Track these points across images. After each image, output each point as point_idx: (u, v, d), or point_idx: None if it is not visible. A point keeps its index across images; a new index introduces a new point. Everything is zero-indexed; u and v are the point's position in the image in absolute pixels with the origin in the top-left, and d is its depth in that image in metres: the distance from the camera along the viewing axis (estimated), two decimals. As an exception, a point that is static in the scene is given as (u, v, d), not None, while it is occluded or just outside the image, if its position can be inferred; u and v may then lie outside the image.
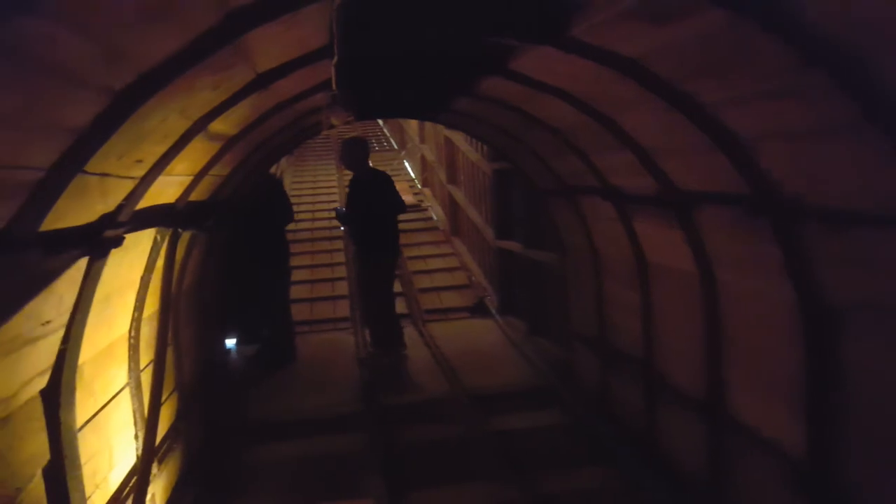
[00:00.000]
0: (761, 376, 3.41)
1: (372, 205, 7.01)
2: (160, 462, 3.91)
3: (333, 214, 12.95)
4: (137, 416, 3.67)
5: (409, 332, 8.10)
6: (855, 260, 2.59)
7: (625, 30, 2.68)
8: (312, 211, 13.59)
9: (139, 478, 3.48)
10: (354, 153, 7.16)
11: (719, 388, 3.73)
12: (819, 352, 2.87)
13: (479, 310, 9.47)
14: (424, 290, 10.19)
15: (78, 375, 2.77)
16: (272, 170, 7.93)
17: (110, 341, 3.35)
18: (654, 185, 3.85)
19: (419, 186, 15.29)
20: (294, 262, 8.83)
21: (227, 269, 6.36)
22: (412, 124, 15.94)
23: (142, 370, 3.78)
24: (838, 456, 2.85)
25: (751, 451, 3.49)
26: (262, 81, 3.23)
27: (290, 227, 8.53)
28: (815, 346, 2.89)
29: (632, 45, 2.81)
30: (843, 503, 2.85)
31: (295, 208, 12.94)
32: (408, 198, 13.18)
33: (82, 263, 2.63)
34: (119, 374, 3.50)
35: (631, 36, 2.72)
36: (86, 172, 2.29)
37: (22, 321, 2.23)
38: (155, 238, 3.75)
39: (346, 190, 7.55)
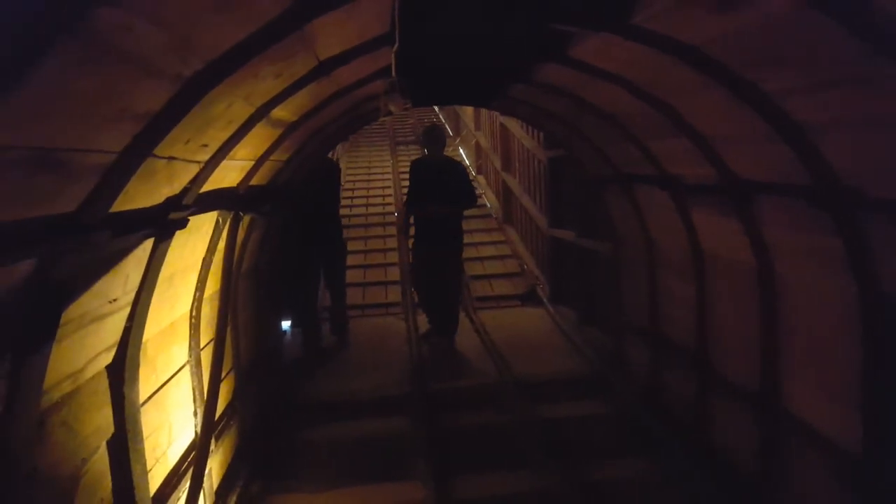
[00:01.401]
0: (818, 369, 3.35)
1: (427, 191, 7.08)
2: (217, 439, 4.01)
3: (387, 200, 13.06)
4: (196, 393, 3.78)
5: (460, 319, 8.11)
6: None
7: (687, 16, 2.64)
8: (367, 196, 13.67)
9: (198, 452, 3.57)
10: (426, 138, 7.47)
11: (774, 381, 3.68)
12: (878, 345, 2.81)
13: (530, 298, 9.42)
14: (476, 278, 10.18)
15: (142, 352, 2.86)
16: (330, 155, 8.05)
17: (172, 320, 3.46)
18: (712, 174, 3.79)
19: (473, 173, 15.26)
20: (348, 246, 8.92)
21: (283, 253, 6.46)
22: (467, 111, 15.89)
23: (202, 348, 3.89)
24: (893, 451, 2.80)
25: (804, 444, 3.43)
26: (324, 69, 3.27)
27: (345, 212, 8.62)
28: (874, 339, 2.83)
29: (694, 31, 2.77)
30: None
31: (349, 193, 13.05)
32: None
33: (148, 244, 2.71)
34: (180, 352, 3.60)
35: (693, 23, 2.68)
36: (155, 156, 2.35)
37: (90, 299, 2.32)
38: (217, 221, 3.85)
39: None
